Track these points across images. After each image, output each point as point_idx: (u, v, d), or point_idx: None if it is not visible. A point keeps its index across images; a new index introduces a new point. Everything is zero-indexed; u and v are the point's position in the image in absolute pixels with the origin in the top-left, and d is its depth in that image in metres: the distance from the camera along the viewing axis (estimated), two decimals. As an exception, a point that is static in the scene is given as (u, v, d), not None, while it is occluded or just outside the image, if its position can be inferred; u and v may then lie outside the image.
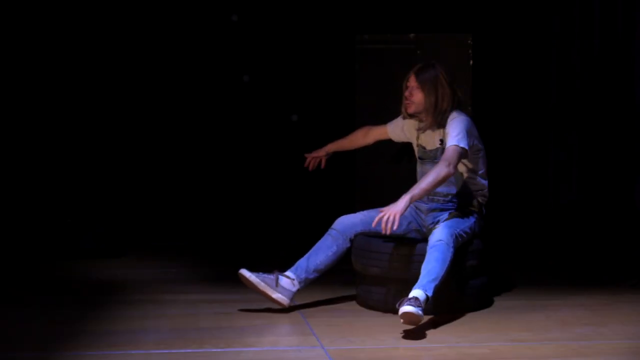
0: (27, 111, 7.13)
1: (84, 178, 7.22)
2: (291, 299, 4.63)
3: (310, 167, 5.20)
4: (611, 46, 6.53)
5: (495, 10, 7.40)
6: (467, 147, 4.58)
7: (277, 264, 4.77)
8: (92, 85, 7.22)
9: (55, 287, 5.38)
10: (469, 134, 4.62)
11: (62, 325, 4.35)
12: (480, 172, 4.81)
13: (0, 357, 3.81)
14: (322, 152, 5.20)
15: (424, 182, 4.43)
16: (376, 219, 4.39)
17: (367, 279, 4.72)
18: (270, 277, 4.60)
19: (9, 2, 7.02)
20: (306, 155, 5.22)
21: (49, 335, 4.14)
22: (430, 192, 4.55)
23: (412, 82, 4.72)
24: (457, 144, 4.55)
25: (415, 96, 4.70)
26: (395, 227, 4.31)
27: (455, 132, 4.59)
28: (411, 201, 4.39)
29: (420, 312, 4.11)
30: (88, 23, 7.18)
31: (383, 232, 4.33)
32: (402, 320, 4.13)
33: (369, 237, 4.73)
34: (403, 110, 4.81)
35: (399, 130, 4.96)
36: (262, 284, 4.58)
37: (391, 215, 4.31)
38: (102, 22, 7.20)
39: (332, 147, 5.23)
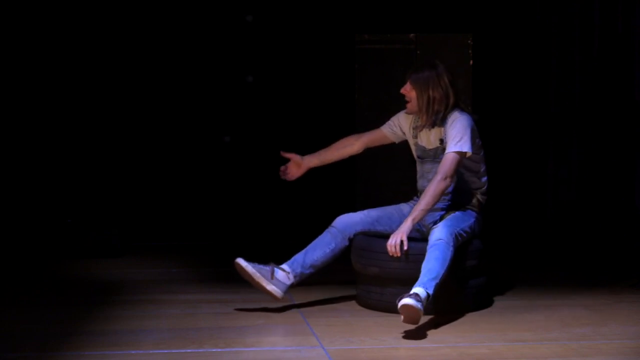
0: (27, 111, 7.13)
1: (84, 178, 7.21)
2: (285, 292, 4.63)
3: (289, 178, 4.98)
4: (611, 46, 6.53)
5: (495, 10, 7.40)
6: (470, 150, 4.60)
7: (276, 262, 4.77)
8: (93, 85, 7.21)
9: (56, 287, 5.38)
10: (472, 133, 4.62)
11: (62, 325, 4.35)
12: (480, 170, 4.81)
13: (1, 357, 3.81)
14: (299, 168, 4.94)
15: (424, 202, 4.54)
16: (389, 248, 4.50)
17: (367, 279, 4.72)
18: (266, 268, 4.61)
19: (9, 2, 7.02)
20: (284, 157, 4.92)
21: (49, 335, 4.14)
22: (432, 209, 4.61)
23: (407, 82, 4.74)
24: (458, 150, 4.57)
25: (409, 94, 4.72)
26: (405, 248, 4.48)
27: (457, 137, 4.59)
28: (414, 223, 4.53)
29: (420, 307, 4.11)
30: (92, 23, 7.17)
31: (392, 254, 4.49)
32: (402, 316, 4.12)
33: (369, 236, 4.74)
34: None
35: (396, 128, 4.92)
36: (258, 274, 4.58)
37: (398, 238, 4.47)
38: (106, 23, 7.20)
39: (312, 160, 4.97)
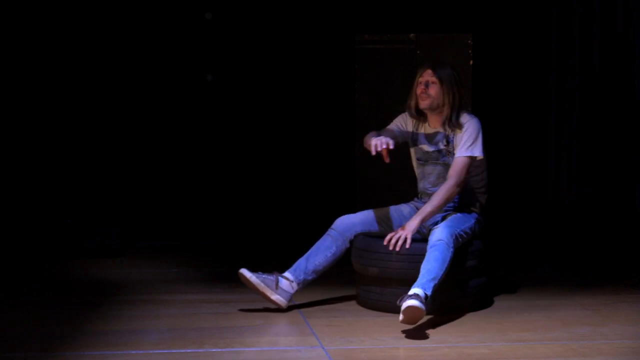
0: (27, 111, 7.13)
1: (84, 178, 7.21)
2: (289, 301, 4.65)
3: (386, 157, 4.53)
4: (611, 46, 6.53)
5: (495, 10, 7.40)
6: (481, 154, 4.66)
7: (277, 265, 4.77)
8: (92, 85, 7.21)
9: (56, 287, 5.38)
10: (482, 137, 4.67)
11: (62, 325, 4.35)
12: (481, 171, 4.80)
13: (1, 357, 3.81)
14: (387, 141, 4.50)
15: (434, 204, 4.55)
16: (386, 239, 4.52)
17: (367, 279, 4.72)
18: (270, 278, 4.61)
19: (9, 2, 7.02)
20: (371, 144, 4.52)
21: (49, 335, 4.14)
22: (440, 210, 4.64)
23: (429, 75, 4.68)
24: (469, 154, 4.60)
25: (432, 89, 4.67)
26: (407, 246, 4.48)
27: (470, 141, 4.63)
28: (422, 222, 4.55)
29: (423, 307, 4.11)
30: (92, 24, 7.18)
31: (391, 248, 4.49)
32: (402, 317, 4.12)
33: (369, 237, 4.74)
34: (411, 104, 4.76)
35: (403, 127, 4.85)
36: (262, 284, 4.59)
37: (403, 235, 4.48)
38: (108, 24, 7.20)
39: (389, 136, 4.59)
